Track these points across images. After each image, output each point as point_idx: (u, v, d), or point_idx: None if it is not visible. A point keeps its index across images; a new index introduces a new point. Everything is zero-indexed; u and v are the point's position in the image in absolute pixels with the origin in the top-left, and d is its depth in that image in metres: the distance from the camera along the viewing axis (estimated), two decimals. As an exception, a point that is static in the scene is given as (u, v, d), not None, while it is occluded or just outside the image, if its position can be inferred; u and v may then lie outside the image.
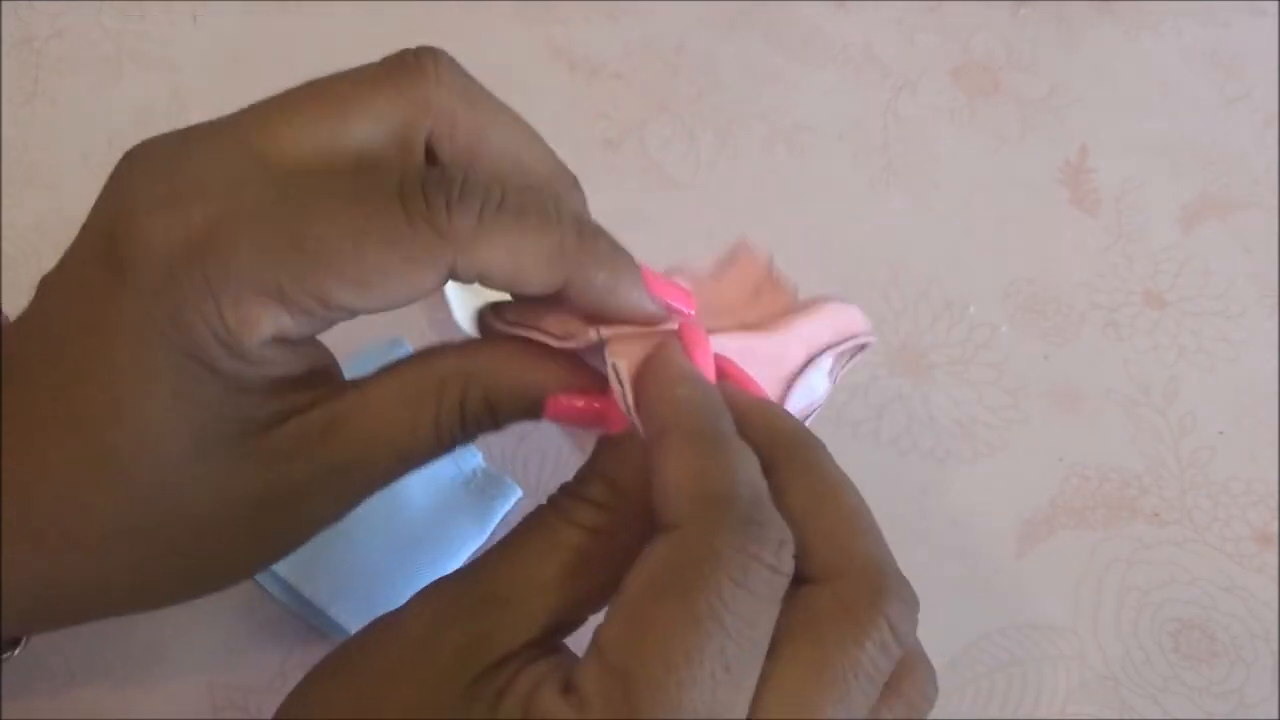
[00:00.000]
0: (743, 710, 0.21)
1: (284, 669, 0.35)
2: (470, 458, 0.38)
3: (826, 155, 0.49)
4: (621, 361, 0.25)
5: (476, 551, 0.37)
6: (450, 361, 0.26)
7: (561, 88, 0.50)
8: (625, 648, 0.21)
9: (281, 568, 0.35)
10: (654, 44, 0.52)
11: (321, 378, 0.25)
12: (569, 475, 0.34)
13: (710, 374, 0.25)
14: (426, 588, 0.25)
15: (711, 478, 0.22)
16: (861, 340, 0.30)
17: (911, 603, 0.23)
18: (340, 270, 0.22)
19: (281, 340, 0.23)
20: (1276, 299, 0.47)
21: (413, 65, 0.24)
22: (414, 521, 0.37)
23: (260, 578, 0.36)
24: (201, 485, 0.24)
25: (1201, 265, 0.48)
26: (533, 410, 0.26)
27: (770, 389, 0.27)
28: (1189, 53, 0.55)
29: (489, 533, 0.37)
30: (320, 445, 0.25)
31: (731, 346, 0.27)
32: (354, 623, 0.35)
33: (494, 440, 0.39)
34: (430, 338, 0.41)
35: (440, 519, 0.37)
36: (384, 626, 0.24)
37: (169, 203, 0.23)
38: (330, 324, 0.24)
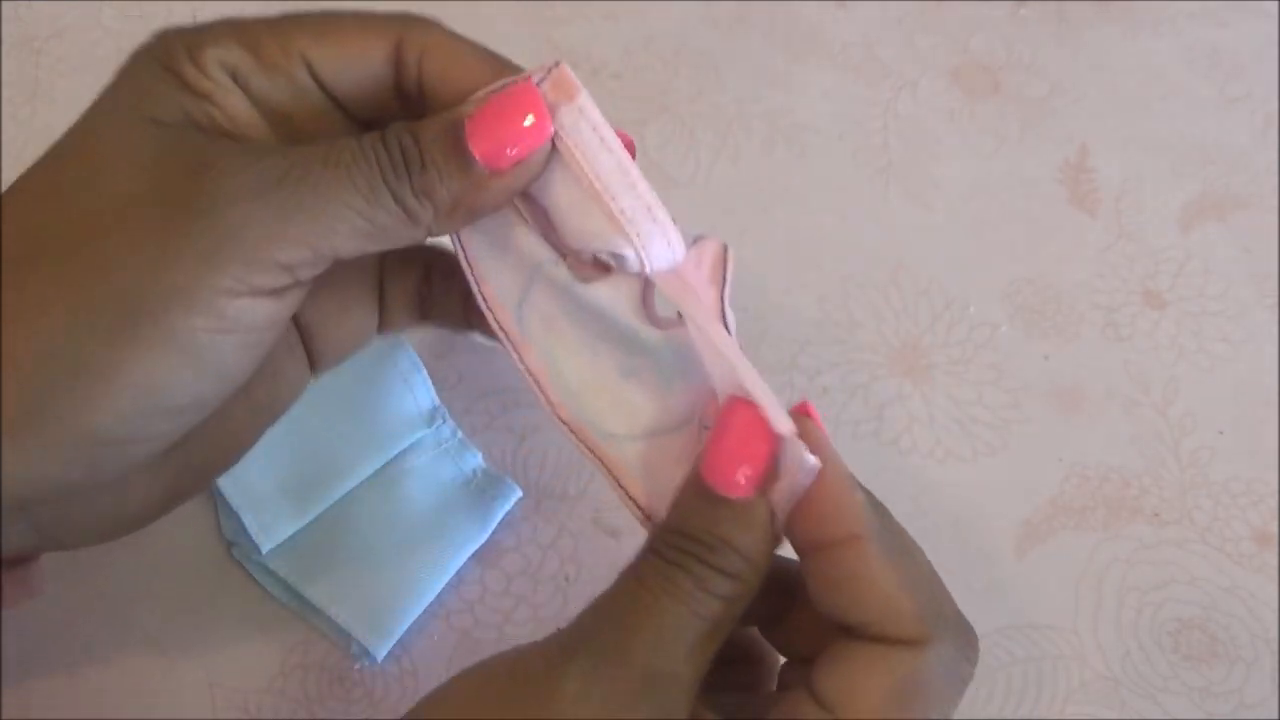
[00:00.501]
0: None
1: (284, 669, 0.35)
2: (470, 458, 0.38)
3: (826, 155, 0.49)
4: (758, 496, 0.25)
5: (475, 552, 0.37)
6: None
7: (561, 88, 0.49)
8: None
9: (281, 568, 0.35)
10: (654, 44, 0.52)
11: None
12: (569, 475, 0.34)
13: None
14: (580, 665, 0.24)
15: (921, 590, 0.24)
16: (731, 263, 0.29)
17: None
18: (307, 27, 0.26)
19: (239, 76, 0.26)
20: (1276, 299, 0.47)
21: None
22: (414, 521, 0.37)
23: (260, 578, 0.36)
24: (143, 233, 0.24)
25: (1201, 265, 0.48)
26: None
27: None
28: (1189, 53, 0.55)
29: (489, 533, 0.37)
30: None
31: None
32: (354, 623, 0.35)
33: (494, 440, 0.39)
34: (429, 338, 0.41)
35: (440, 519, 0.37)
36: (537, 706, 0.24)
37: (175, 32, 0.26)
38: (296, 86, 0.26)
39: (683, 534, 0.25)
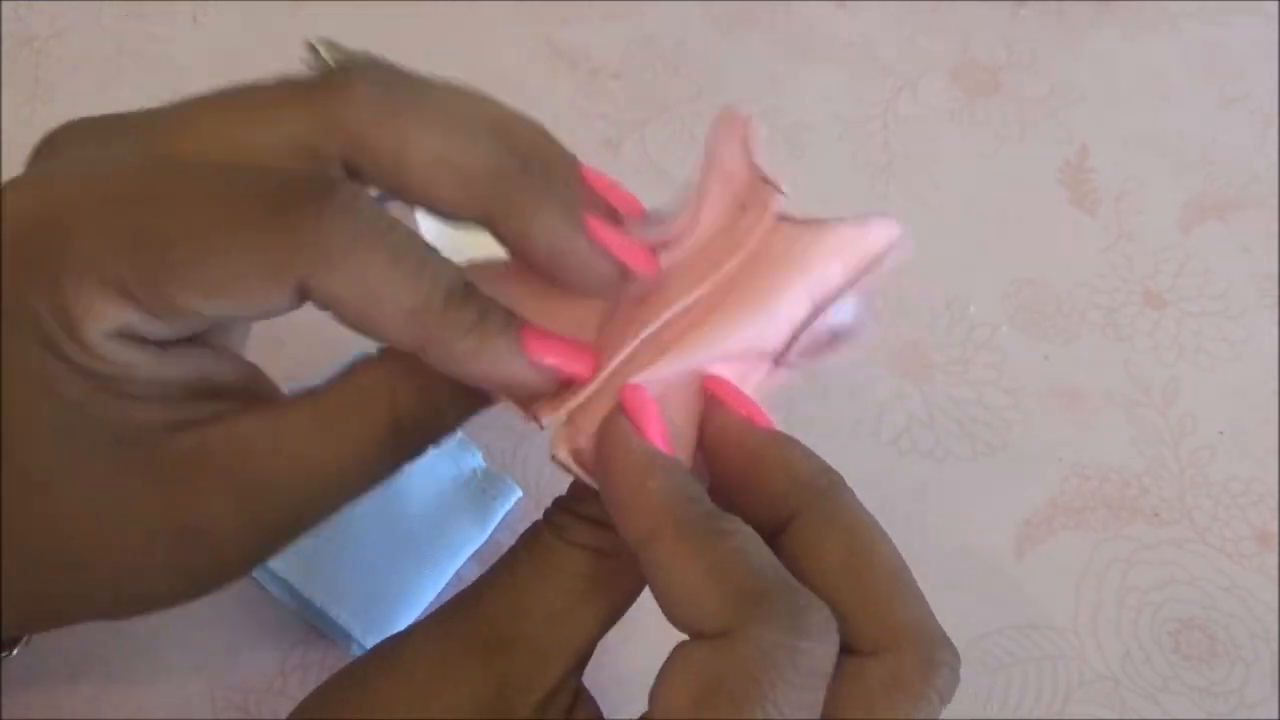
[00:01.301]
0: None
1: (284, 669, 0.35)
2: (470, 458, 0.38)
3: (826, 155, 0.49)
4: (562, 450, 0.23)
5: (475, 552, 0.37)
6: (374, 371, 0.23)
7: (561, 88, 0.50)
8: None
9: (281, 568, 0.35)
10: (654, 44, 0.52)
11: (234, 392, 0.24)
12: (569, 475, 0.34)
13: (661, 439, 0.22)
14: (427, 624, 0.23)
15: (731, 573, 0.20)
16: (889, 260, 0.26)
17: (957, 666, 0.22)
18: (184, 271, 0.20)
19: (135, 338, 0.21)
20: (1276, 299, 0.47)
21: (323, 84, 0.23)
22: (414, 521, 0.37)
23: (260, 578, 0.36)
24: (83, 496, 0.22)
25: (1201, 265, 0.48)
26: (481, 400, 0.24)
27: (758, 369, 0.24)
28: (1189, 53, 0.55)
29: (489, 533, 0.37)
30: (224, 468, 0.22)
31: (702, 358, 0.23)
32: (354, 623, 0.35)
33: (494, 440, 0.39)
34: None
35: (440, 519, 0.37)
36: (388, 669, 0.23)
37: (38, 181, 0.22)
38: (192, 328, 0.22)
39: (567, 493, 0.24)
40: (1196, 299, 0.47)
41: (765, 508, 0.22)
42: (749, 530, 0.21)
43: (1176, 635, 0.39)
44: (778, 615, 0.20)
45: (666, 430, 0.23)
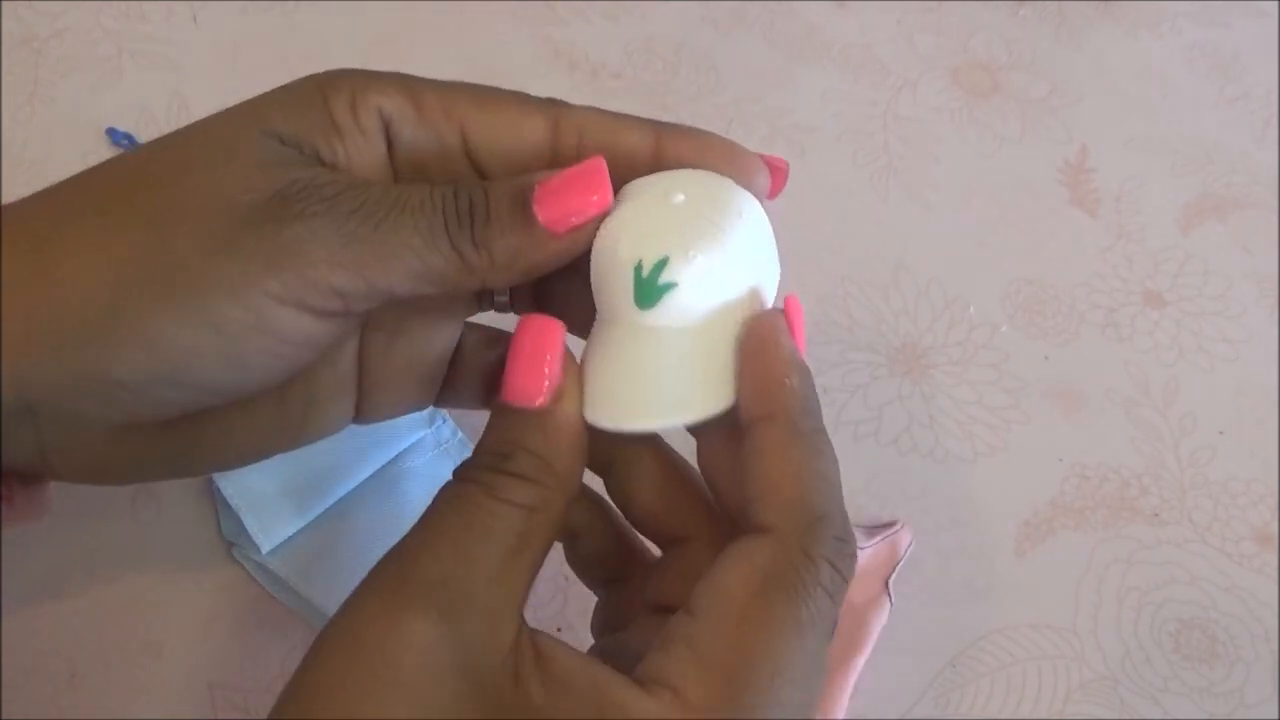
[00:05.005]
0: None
1: (284, 669, 0.35)
2: (470, 458, 0.38)
3: (826, 155, 0.49)
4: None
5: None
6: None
7: (561, 88, 0.49)
8: (730, 647, 0.22)
9: (281, 568, 0.35)
10: (654, 44, 0.52)
11: None
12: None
13: (803, 347, 0.25)
14: (370, 600, 0.24)
15: (813, 484, 0.23)
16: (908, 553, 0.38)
17: (848, 540, 0.24)
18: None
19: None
20: (1276, 299, 0.47)
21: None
22: (414, 522, 0.37)
23: (260, 578, 0.36)
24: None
25: (1201, 265, 0.48)
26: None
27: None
28: (1189, 53, 0.55)
29: (489, 533, 0.37)
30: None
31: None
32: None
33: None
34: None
35: (440, 519, 0.37)
36: (359, 663, 0.23)
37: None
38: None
39: (480, 451, 0.25)
40: (1196, 299, 0.47)
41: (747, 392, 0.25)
42: (836, 460, 0.24)
43: (1176, 635, 0.39)
44: (833, 538, 0.23)
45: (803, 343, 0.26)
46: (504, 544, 0.24)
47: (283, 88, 0.26)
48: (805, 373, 0.25)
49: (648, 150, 0.27)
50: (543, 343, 0.25)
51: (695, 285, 0.25)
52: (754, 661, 0.22)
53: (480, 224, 0.25)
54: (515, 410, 0.25)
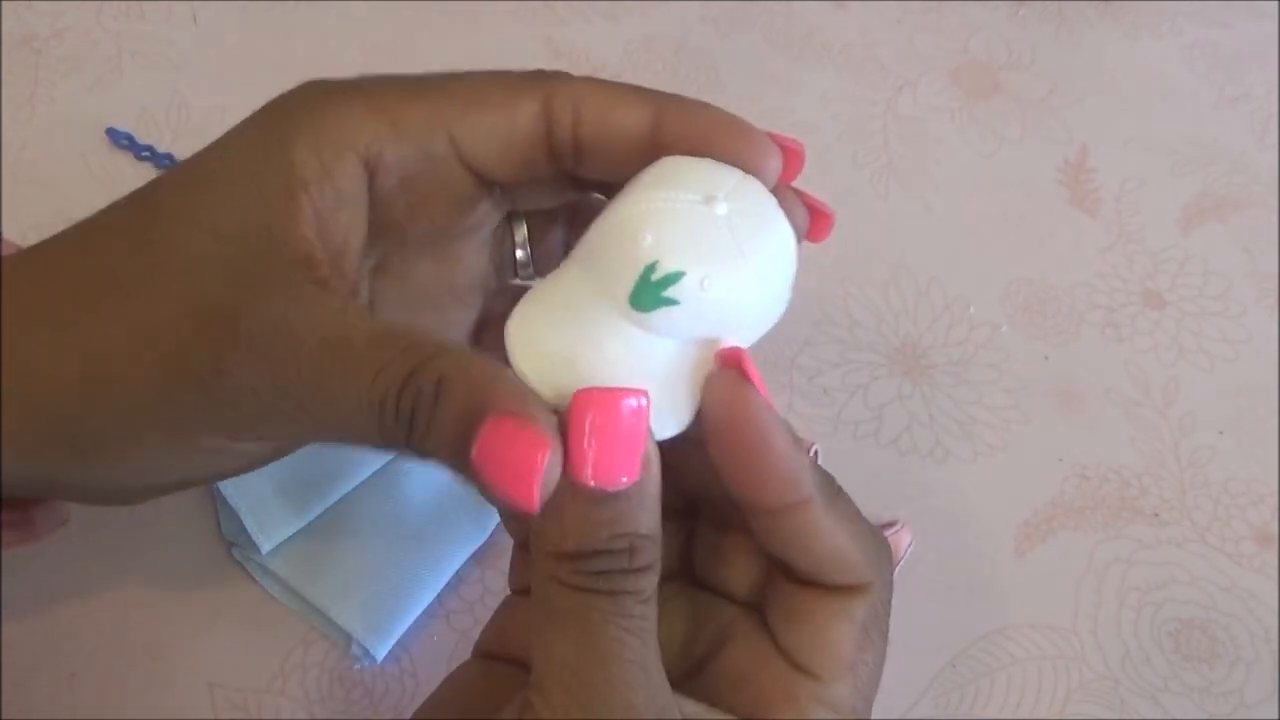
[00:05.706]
0: None
1: (284, 669, 0.35)
2: (470, 458, 0.38)
3: (826, 155, 0.49)
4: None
5: (475, 552, 0.37)
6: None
7: (561, 88, 0.49)
8: (853, 692, 0.25)
9: (282, 568, 0.35)
10: (654, 44, 0.52)
11: None
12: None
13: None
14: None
15: (864, 535, 0.25)
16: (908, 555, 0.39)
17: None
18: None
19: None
20: (1276, 299, 0.47)
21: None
22: (414, 522, 0.37)
23: (260, 578, 0.36)
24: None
25: (1201, 265, 0.48)
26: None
27: None
28: (1189, 53, 0.55)
29: (489, 533, 0.37)
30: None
31: None
32: (354, 623, 0.35)
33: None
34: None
35: (440, 519, 0.37)
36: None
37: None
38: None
39: (583, 555, 0.22)
40: (1196, 299, 0.47)
41: (767, 486, 0.24)
42: (849, 497, 0.25)
43: (1176, 635, 0.39)
44: (889, 569, 0.26)
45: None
46: (653, 644, 0.22)
47: (240, 160, 0.25)
48: (799, 444, 0.24)
49: (647, 127, 0.26)
50: (637, 423, 0.22)
51: (694, 312, 0.23)
52: (869, 696, 0.25)
53: (419, 431, 0.22)
54: (607, 494, 0.22)
